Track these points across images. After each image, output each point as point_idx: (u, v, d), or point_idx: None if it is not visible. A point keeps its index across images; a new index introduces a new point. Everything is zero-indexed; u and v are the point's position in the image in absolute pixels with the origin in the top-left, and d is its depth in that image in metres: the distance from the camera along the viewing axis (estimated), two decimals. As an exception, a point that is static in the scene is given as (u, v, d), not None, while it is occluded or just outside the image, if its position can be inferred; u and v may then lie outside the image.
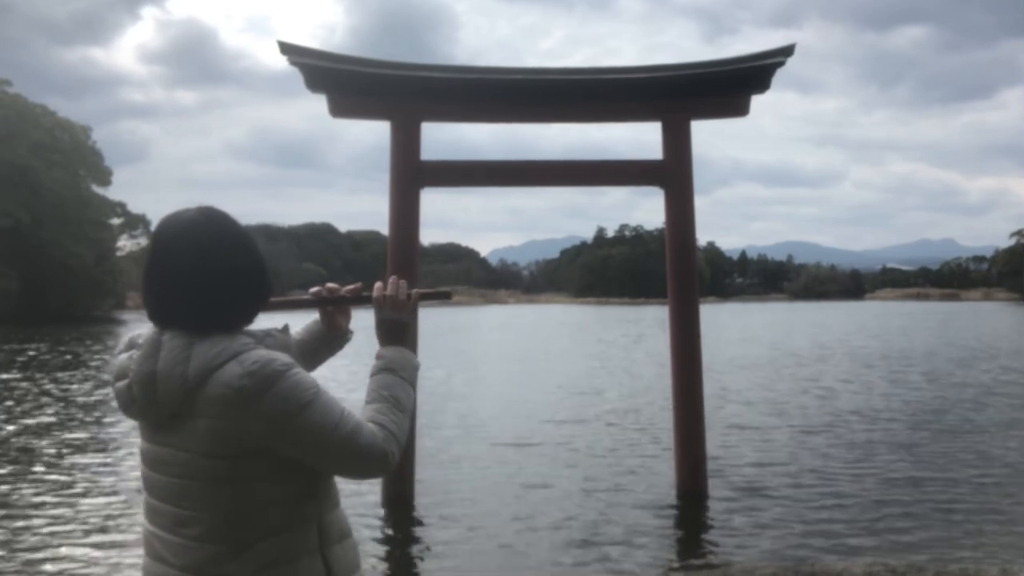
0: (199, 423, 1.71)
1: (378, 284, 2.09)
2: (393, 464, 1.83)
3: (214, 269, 1.79)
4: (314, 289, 2.17)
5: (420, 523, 7.88)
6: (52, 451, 11.12)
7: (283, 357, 1.76)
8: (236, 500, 1.73)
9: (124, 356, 1.83)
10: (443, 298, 2.25)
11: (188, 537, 1.75)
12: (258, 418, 1.69)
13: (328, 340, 2.23)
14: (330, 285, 2.18)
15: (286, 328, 1.95)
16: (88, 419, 13.94)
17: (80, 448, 11.37)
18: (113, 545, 7.04)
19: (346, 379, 15.30)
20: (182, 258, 1.78)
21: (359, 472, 1.84)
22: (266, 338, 1.84)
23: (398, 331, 2.04)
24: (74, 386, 18.43)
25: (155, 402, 1.74)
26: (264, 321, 1.92)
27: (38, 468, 10.09)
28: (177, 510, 1.76)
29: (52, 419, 13.80)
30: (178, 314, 1.78)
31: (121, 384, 1.81)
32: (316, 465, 1.78)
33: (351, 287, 2.18)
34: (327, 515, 1.85)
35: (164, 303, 1.80)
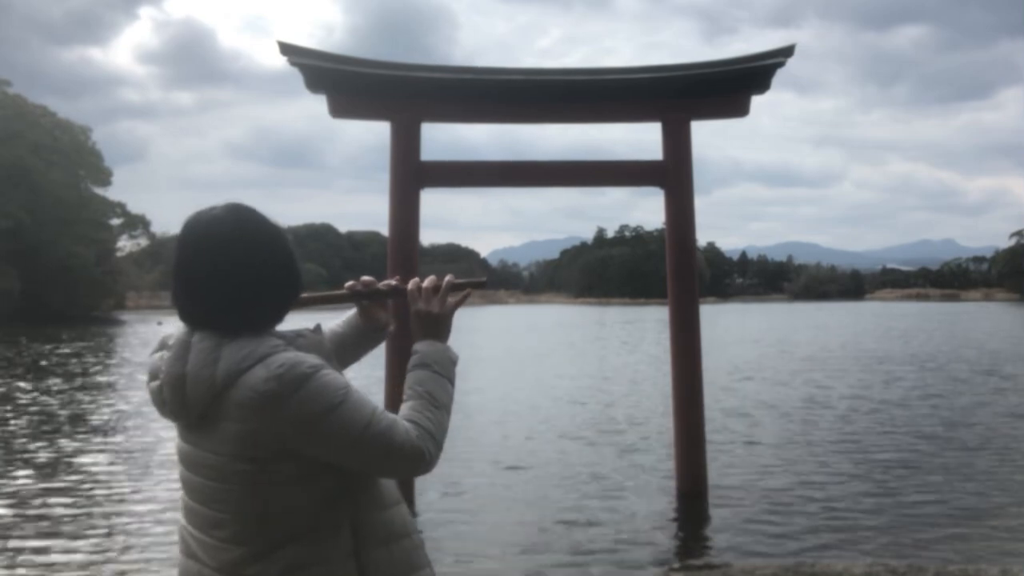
0: (227, 426, 1.68)
1: (414, 279, 2.04)
2: (431, 462, 1.78)
3: (242, 269, 1.75)
4: (349, 283, 2.12)
5: (419, 523, 7.88)
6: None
7: (311, 359, 1.72)
8: (264, 503, 1.71)
9: (156, 356, 1.81)
10: (478, 287, 2.15)
11: (219, 538, 1.74)
12: (285, 422, 1.66)
13: (366, 333, 2.18)
14: (365, 278, 2.12)
15: (318, 328, 1.91)
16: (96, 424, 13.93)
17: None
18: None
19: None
20: (209, 259, 1.75)
21: (396, 471, 1.80)
22: (297, 339, 1.80)
23: (432, 324, 1.98)
24: (76, 390, 18.42)
25: (184, 404, 1.72)
26: (298, 318, 1.88)
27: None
28: (209, 511, 1.74)
29: (61, 423, 13.80)
30: (207, 315, 1.75)
31: (153, 385, 1.79)
32: (350, 466, 1.74)
33: (388, 281, 2.12)
34: (366, 517, 1.79)
35: (193, 304, 1.77)
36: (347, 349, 2.15)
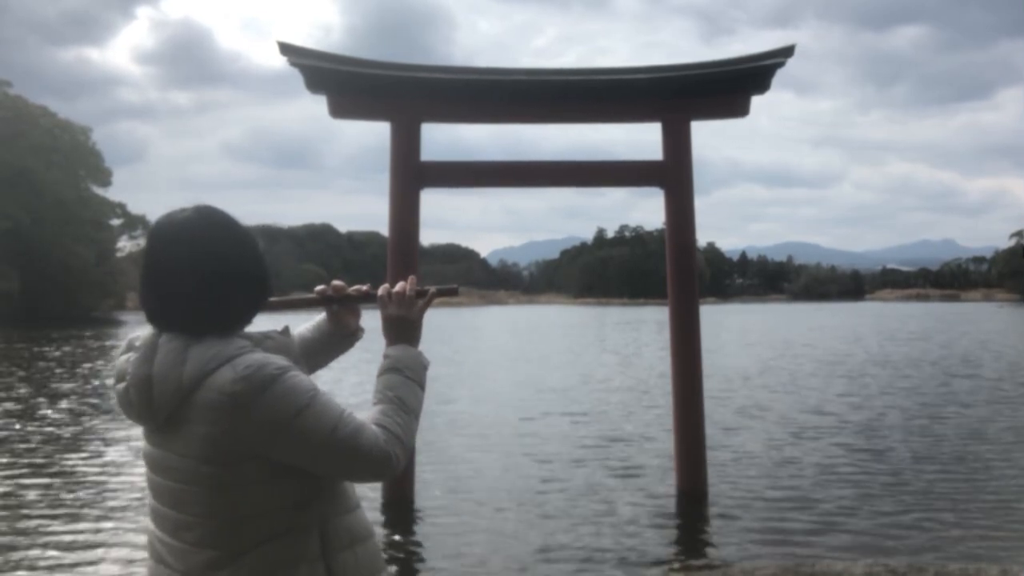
0: (194, 428, 1.67)
1: (384, 285, 2.04)
2: (397, 467, 1.78)
3: (210, 270, 1.74)
4: (319, 287, 2.11)
5: (420, 523, 7.88)
6: (57, 452, 11.12)
7: (278, 360, 1.71)
8: (233, 506, 1.70)
9: (123, 358, 1.79)
10: (450, 295, 2.17)
11: (187, 541, 1.73)
12: (253, 423, 1.65)
13: (335, 339, 2.17)
14: (336, 283, 2.12)
15: (286, 330, 1.90)
16: (90, 423, 13.93)
17: (82, 449, 11.37)
18: (116, 546, 7.04)
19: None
20: (178, 260, 1.75)
21: (362, 475, 1.80)
22: (265, 340, 1.80)
23: (404, 329, 1.98)
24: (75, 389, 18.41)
25: (151, 406, 1.71)
26: (268, 321, 1.88)
27: (40, 472, 10.09)
28: (178, 514, 1.73)
29: (57, 421, 13.80)
30: (175, 316, 1.74)
31: (120, 386, 1.78)
32: (316, 470, 1.74)
33: (358, 287, 2.12)
34: (334, 520, 1.80)
35: (161, 305, 1.76)
36: (316, 354, 2.15)
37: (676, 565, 6.66)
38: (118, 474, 9.76)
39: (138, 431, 1.84)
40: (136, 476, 9.31)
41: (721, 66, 8.26)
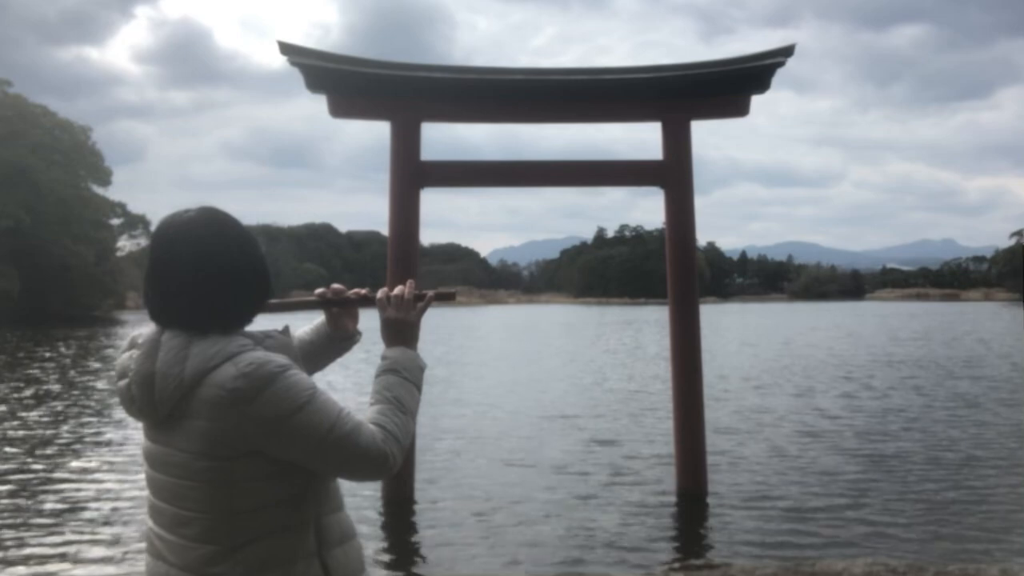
0: (195, 424, 1.70)
1: (383, 288, 2.07)
2: (394, 466, 1.81)
3: (213, 270, 1.78)
4: (319, 290, 2.15)
5: (420, 523, 7.88)
6: (56, 451, 11.13)
7: (279, 358, 1.74)
8: (232, 501, 1.72)
9: (125, 355, 1.82)
10: (447, 299, 2.21)
11: (186, 537, 1.75)
12: (252, 420, 1.68)
13: (334, 341, 2.20)
14: (335, 286, 2.15)
15: (286, 329, 1.93)
16: (91, 420, 13.93)
17: (84, 449, 11.37)
18: (117, 544, 7.05)
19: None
20: (181, 259, 1.78)
21: (359, 474, 1.83)
22: (265, 339, 1.83)
23: (403, 331, 2.02)
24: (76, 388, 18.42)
25: (152, 402, 1.74)
26: (267, 322, 1.90)
27: (41, 469, 10.09)
28: (176, 510, 1.75)
29: (56, 420, 13.80)
30: (177, 314, 1.77)
31: (122, 383, 1.81)
32: (314, 467, 1.76)
33: (357, 290, 2.15)
34: (326, 518, 1.83)
35: (164, 303, 1.79)
36: (314, 356, 2.18)
37: (676, 565, 6.67)
38: (113, 476, 9.77)
39: (132, 434, 1.85)
40: (128, 481, 9.32)
41: (721, 66, 8.26)
